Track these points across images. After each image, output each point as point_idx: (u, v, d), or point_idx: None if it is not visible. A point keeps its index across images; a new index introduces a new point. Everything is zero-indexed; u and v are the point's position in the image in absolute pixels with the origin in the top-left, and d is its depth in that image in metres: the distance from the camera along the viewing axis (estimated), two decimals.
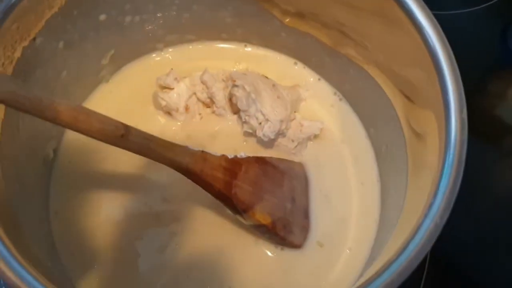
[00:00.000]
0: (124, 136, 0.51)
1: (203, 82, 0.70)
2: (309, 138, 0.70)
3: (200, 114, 0.71)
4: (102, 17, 0.64)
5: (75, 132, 0.66)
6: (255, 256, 0.64)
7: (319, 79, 0.75)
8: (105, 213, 0.65)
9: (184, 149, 0.57)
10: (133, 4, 0.66)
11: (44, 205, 0.64)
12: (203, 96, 0.70)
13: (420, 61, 0.54)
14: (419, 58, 0.54)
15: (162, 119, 0.71)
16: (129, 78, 0.73)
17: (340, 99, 0.73)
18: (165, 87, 0.71)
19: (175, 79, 0.71)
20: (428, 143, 0.54)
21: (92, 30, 0.64)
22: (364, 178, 0.69)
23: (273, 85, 0.70)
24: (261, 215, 0.61)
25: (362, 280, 0.46)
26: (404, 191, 0.58)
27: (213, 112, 0.71)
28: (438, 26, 0.53)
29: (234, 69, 0.74)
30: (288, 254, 0.64)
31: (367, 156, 0.70)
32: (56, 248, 0.63)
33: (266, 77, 0.72)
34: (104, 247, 0.63)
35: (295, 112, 0.71)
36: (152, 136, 0.54)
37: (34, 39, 0.56)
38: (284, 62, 0.76)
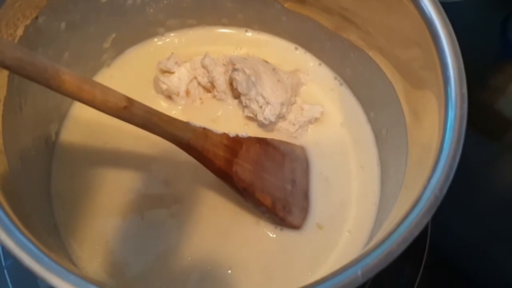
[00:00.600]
0: (126, 108, 0.51)
1: (203, 66, 0.70)
2: (309, 122, 0.71)
3: (201, 98, 0.72)
4: None
5: (77, 115, 0.69)
6: (256, 237, 0.64)
7: (319, 64, 0.75)
8: (106, 195, 0.65)
9: (186, 124, 0.57)
10: None
11: (46, 186, 0.65)
12: (204, 80, 0.71)
13: (420, 40, 0.54)
14: (419, 37, 0.54)
15: (163, 103, 0.71)
16: (130, 63, 0.74)
17: (341, 84, 0.74)
18: (166, 71, 0.71)
19: (176, 63, 0.71)
20: (428, 123, 0.54)
21: (94, 11, 0.65)
22: (364, 161, 0.69)
23: (273, 69, 0.70)
24: (261, 194, 0.61)
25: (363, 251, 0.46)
26: (403, 173, 0.58)
27: (214, 96, 0.71)
28: (439, 4, 0.53)
29: (235, 54, 0.74)
30: (288, 235, 0.64)
31: (367, 139, 0.70)
32: (57, 228, 0.63)
33: (267, 62, 0.72)
34: (106, 229, 0.63)
35: (295, 96, 0.71)
36: (154, 110, 0.55)
37: (36, 18, 0.56)
38: (285, 47, 0.76)
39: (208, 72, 0.70)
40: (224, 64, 0.71)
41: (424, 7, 0.53)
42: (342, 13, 0.66)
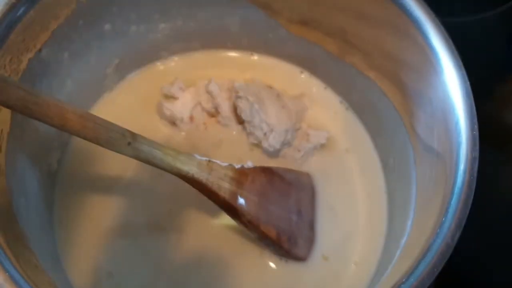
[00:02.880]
0: (130, 144, 0.51)
1: (208, 92, 0.70)
2: (315, 148, 0.70)
3: (204, 123, 0.71)
4: (107, 26, 0.64)
5: (79, 143, 0.68)
6: (259, 268, 0.63)
7: (325, 88, 0.74)
8: (110, 224, 0.64)
9: (190, 158, 0.57)
10: (138, 13, 0.65)
11: (48, 216, 0.64)
12: (208, 105, 0.70)
13: (429, 73, 0.53)
14: (427, 69, 0.54)
15: (166, 128, 0.71)
16: (134, 87, 0.73)
17: (347, 108, 0.73)
18: (170, 97, 0.70)
19: (180, 88, 0.70)
20: (438, 157, 0.53)
21: (97, 39, 0.64)
22: (371, 189, 0.68)
23: (278, 95, 0.70)
24: (266, 227, 0.60)
25: None
26: (413, 205, 0.58)
27: (218, 122, 0.70)
28: (449, 38, 0.52)
29: (240, 78, 0.73)
30: (293, 266, 0.63)
31: (374, 167, 0.69)
32: (59, 258, 0.62)
33: (271, 87, 0.71)
34: (108, 257, 0.63)
35: (300, 122, 0.71)
36: (158, 144, 0.54)
37: (39, 50, 0.56)
38: (290, 71, 0.75)
39: (212, 98, 0.69)
40: (228, 89, 0.70)
41: (433, 42, 0.52)
42: (346, 38, 0.65)
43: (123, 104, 0.71)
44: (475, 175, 0.47)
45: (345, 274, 0.63)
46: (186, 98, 0.70)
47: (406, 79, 0.59)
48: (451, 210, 0.46)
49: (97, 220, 0.65)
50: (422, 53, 0.53)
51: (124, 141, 0.51)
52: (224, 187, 0.58)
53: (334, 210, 0.67)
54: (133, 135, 0.52)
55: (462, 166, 0.48)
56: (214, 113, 0.71)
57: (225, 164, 0.59)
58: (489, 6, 0.89)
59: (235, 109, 0.69)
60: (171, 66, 0.75)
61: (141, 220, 0.65)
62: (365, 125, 0.72)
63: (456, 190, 0.47)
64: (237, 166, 0.60)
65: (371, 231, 0.65)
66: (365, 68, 0.66)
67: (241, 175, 0.60)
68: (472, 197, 0.47)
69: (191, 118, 0.70)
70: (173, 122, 0.70)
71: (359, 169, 0.69)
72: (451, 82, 0.51)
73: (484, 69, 0.85)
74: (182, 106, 0.70)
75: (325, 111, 0.73)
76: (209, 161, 0.58)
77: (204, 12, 0.69)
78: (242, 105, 0.67)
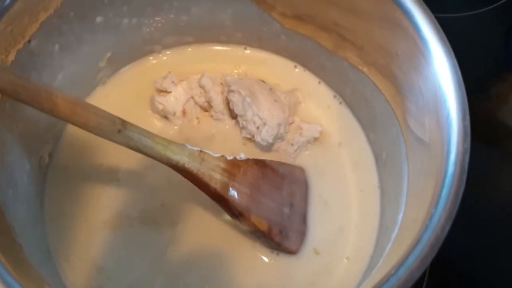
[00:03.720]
0: (121, 132, 0.51)
1: (201, 86, 0.69)
2: (308, 142, 0.69)
3: (197, 118, 0.70)
4: (99, 19, 0.63)
5: (71, 136, 0.67)
6: (251, 261, 0.63)
7: (319, 82, 0.74)
8: (102, 218, 0.64)
9: (182, 148, 0.56)
10: (130, 6, 0.65)
11: (38, 210, 0.63)
12: (201, 100, 0.70)
13: (421, 65, 0.53)
14: (420, 62, 0.53)
15: (159, 122, 0.70)
16: (126, 81, 0.73)
17: (340, 103, 0.72)
18: (162, 91, 0.70)
19: (173, 82, 0.70)
20: (429, 150, 0.53)
21: (89, 32, 0.63)
22: (363, 184, 0.68)
23: (270, 89, 0.69)
24: (257, 219, 0.60)
25: None
26: (404, 198, 0.57)
27: (211, 116, 0.70)
28: (440, 29, 0.52)
29: (233, 72, 0.73)
30: (284, 259, 0.63)
31: (367, 161, 0.69)
32: (50, 253, 0.62)
33: (263, 81, 0.71)
34: (100, 252, 0.63)
35: (293, 115, 0.70)
36: (149, 132, 0.54)
37: (29, 41, 0.55)
38: (284, 65, 0.75)
39: (205, 92, 0.69)
40: (221, 83, 0.70)
41: (426, 35, 0.52)
42: (340, 32, 0.65)
43: (115, 98, 0.71)
44: (466, 166, 0.47)
45: (336, 268, 0.63)
46: (179, 92, 0.69)
47: (398, 72, 0.59)
48: (442, 202, 0.46)
49: (89, 214, 0.64)
50: (413, 44, 0.53)
51: (114, 128, 0.51)
52: (215, 178, 0.57)
53: (327, 204, 0.66)
54: (123, 122, 0.52)
55: (453, 158, 0.47)
56: (207, 107, 0.70)
57: (217, 155, 0.59)
58: (485, 2, 0.89)
59: (228, 103, 0.69)
60: (164, 60, 0.74)
61: (133, 213, 0.65)
62: (358, 119, 0.71)
63: (447, 181, 0.47)
64: (229, 157, 0.60)
65: (364, 225, 0.65)
66: (358, 62, 0.66)
67: (233, 167, 0.60)
68: (463, 189, 0.46)
69: (184, 112, 0.69)
70: (165, 116, 0.70)
71: (352, 163, 0.69)
72: (442, 71, 0.50)
73: (480, 66, 0.86)
74: (175, 100, 0.69)
75: (318, 105, 0.73)
76: (201, 151, 0.57)
77: (197, 6, 0.69)
78: (235, 99, 0.67)
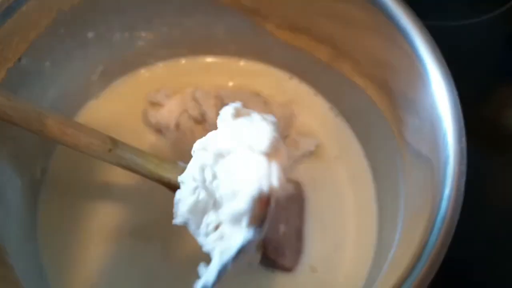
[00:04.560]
0: (111, 151, 0.50)
1: (194, 99, 0.69)
2: (304, 155, 0.68)
3: (191, 131, 0.69)
4: (90, 34, 0.63)
5: (63, 151, 0.67)
6: (246, 279, 0.62)
7: (315, 94, 0.73)
8: (95, 233, 0.63)
9: (173, 165, 0.54)
10: (122, 20, 0.64)
11: (30, 227, 0.62)
12: (195, 113, 0.69)
13: (417, 84, 0.52)
14: (415, 78, 0.53)
15: (152, 136, 0.69)
16: (119, 94, 0.72)
17: (336, 115, 0.72)
18: (156, 104, 0.69)
19: (166, 95, 0.69)
20: (426, 167, 0.52)
21: (80, 47, 0.63)
22: (360, 198, 0.67)
23: (265, 102, 0.69)
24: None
25: None
26: (401, 215, 0.56)
27: (205, 129, 0.69)
28: (437, 48, 0.51)
29: (227, 84, 0.73)
30: (280, 278, 0.62)
31: (364, 175, 0.68)
32: (42, 269, 0.61)
33: (258, 95, 0.70)
34: (94, 268, 0.62)
35: (289, 129, 0.69)
36: (140, 151, 0.53)
37: (19, 59, 0.55)
38: (279, 76, 0.74)
39: (199, 105, 0.68)
40: (215, 96, 0.69)
41: (419, 51, 0.52)
42: (334, 44, 0.64)
43: (108, 112, 0.70)
44: (463, 189, 0.46)
45: (334, 286, 0.62)
46: (172, 105, 0.69)
47: (394, 87, 0.58)
48: (437, 225, 0.45)
49: (82, 229, 0.63)
50: (410, 62, 0.53)
51: (105, 147, 0.50)
52: None
53: (323, 220, 0.65)
54: (114, 142, 0.52)
55: (449, 180, 0.47)
56: (200, 121, 0.70)
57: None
58: (488, 9, 0.88)
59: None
60: (157, 73, 0.73)
61: (126, 229, 0.64)
62: (355, 132, 0.70)
63: (443, 204, 0.46)
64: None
65: (361, 241, 0.64)
66: (354, 75, 0.65)
67: None
68: (459, 212, 0.46)
69: (177, 126, 0.69)
70: (159, 129, 0.69)
71: (349, 177, 0.68)
72: (438, 93, 0.50)
73: (482, 71, 0.85)
74: (168, 113, 0.68)
75: (314, 117, 0.72)
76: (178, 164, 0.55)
77: (190, 19, 0.68)
78: None
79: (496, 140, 0.82)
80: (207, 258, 0.62)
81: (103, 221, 0.64)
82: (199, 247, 0.62)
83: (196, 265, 0.61)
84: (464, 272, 0.74)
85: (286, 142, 0.68)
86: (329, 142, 0.70)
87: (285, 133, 0.68)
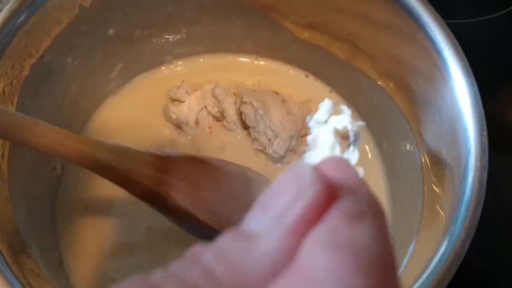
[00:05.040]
0: None
1: (214, 96, 0.69)
2: None
3: (210, 127, 0.70)
4: (111, 31, 0.63)
5: None
6: None
7: (330, 91, 0.73)
8: (114, 233, 0.64)
9: (97, 142, 0.48)
10: (142, 18, 0.65)
11: (51, 222, 0.63)
12: (214, 110, 0.69)
13: (437, 80, 0.53)
14: (435, 75, 0.53)
15: (171, 132, 0.70)
16: (138, 91, 0.72)
17: (353, 113, 0.72)
18: (176, 100, 0.70)
19: (186, 92, 0.70)
20: (446, 164, 0.53)
21: (101, 44, 0.63)
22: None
23: (283, 101, 0.69)
24: (203, 214, 0.53)
25: None
26: (419, 214, 0.56)
27: (224, 126, 0.70)
28: (458, 45, 0.51)
29: (246, 82, 0.73)
30: None
31: (379, 173, 0.68)
32: (62, 264, 0.62)
33: (276, 93, 0.71)
34: (112, 264, 0.62)
35: (306, 127, 0.70)
36: (43, 122, 0.44)
37: (42, 56, 0.55)
38: (296, 74, 0.74)
39: (218, 102, 0.69)
40: (234, 94, 0.69)
41: (440, 46, 0.52)
42: (353, 42, 0.64)
43: (128, 108, 0.71)
44: (484, 183, 0.47)
45: None
46: (192, 102, 0.69)
47: (414, 85, 0.58)
48: (460, 220, 0.46)
49: (101, 225, 0.64)
50: (430, 59, 0.53)
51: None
52: (145, 173, 0.49)
53: None
54: None
55: (471, 175, 0.47)
56: (219, 118, 0.70)
57: (143, 149, 0.51)
58: (496, 7, 0.88)
59: (240, 114, 0.69)
60: (176, 70, 0.74)
61: (146, 228, 0.64)
62: (370, 129, 0.70)
63: (465, 199, 0.46)
64: (160, 152, 0.52)
65: None
66: (371, 73, 0.65)
67: (165, 162, 0.52)
68: (481, 206, 0.46)
69: (197, 122, 0.69)
70: (178, 125, 0.69)
71: (363, 175, 0.68)
72: (459, 89, 0.50)
73: (489, 70, 0.85)
74: (188, 110, 0.69)
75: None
76: (121, 145, 0.49)
77: (208, 17, 0.68)
78: (247, 111, 0.67)
79: (502, 138, 0.82)
80: None
81: (121, 213, 0.64)
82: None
83: None
84: (467, 272, 0.74)
85: (302, 141, 0.68)
86: None
87: (302, 132, 0.69)
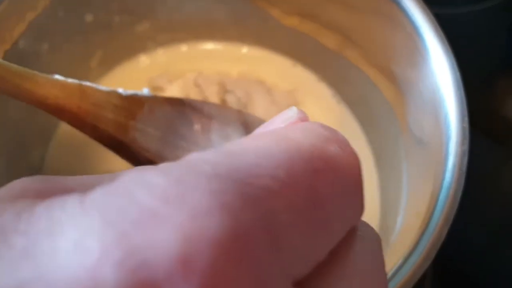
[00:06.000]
0: None
1: (196, 86, 0.68)
2: None
3: None
4: (89, 17, 0.62)
5: (62, 137, 0.66)
6: None
7: (318, 81, 0.72)
8: None
9: (50, 79, 0.42)
10: (122, 3, 0.63)
11: None
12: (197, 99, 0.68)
13: (419, 63, 0.52)
14: (417, 60, 0.52)
15: None
16: (119, 80, 0.71)
17: (339, 102, 0.71)
18: (157, 88, 0.69)
19: (168, 80, 0.69)
20: (428, 151, 0.52)
21: (79, 31, 0.62)
22: (364, 184, 0.66)
23: (268, 90, 0.68)
24: None
25: None
26: (403, 201, 0.56)
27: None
28: (438, 27, 0.50)
29: (230, 71, 0.72)
30: None
31: (367, 161, 0.67)
32: None
33: (261, 82, 0.70)
34: None
35: None
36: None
37: (16, 42, 0.54)
38: (282, 63, 0.73)
39: (201, 91, 0.68)
40: (218, 83, 0.68)
41: (422, 32, 0.51)
42: (340, 30, 0.63)
43: None
44: (465, 169, 0.45)
45: None
46: (174, 91, 0.68)
47: (397, 69, 0.57)
48: (439, 206, 0.44)
49: None
50: (411, 42, 0.52)
51: None
52: (105, 116, 0.43)
53: None
54: None
55: (451, 160, 0.46)
56: None
57: (106, 88, 0.45)
58: None
59: (224, 103, 0.68)
60: (157, 59, 0.73)
61: None
62: (358, 119, 0.70)
63: (445, 185, 0.45)
64: (126, 92, 0.46)
65: None
66: (358, 61, 0.64)
67: (132, 104, 0.46)
68: (461, 192, 0.45)
69: None
70: None
71: None
72: (440, 70, 0.49)
73: (484, 61, 0.84)
74: None
75: (318, 104, 0.71)
76: (80, 84, 0.43)
77: (191, 3, 0.67)
78: (230, 100, 0.66)
79: (498, 131, 0.82)
80: None
81: None
82: None
83: None
84: (463, 265, 0.73)
85: None
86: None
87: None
